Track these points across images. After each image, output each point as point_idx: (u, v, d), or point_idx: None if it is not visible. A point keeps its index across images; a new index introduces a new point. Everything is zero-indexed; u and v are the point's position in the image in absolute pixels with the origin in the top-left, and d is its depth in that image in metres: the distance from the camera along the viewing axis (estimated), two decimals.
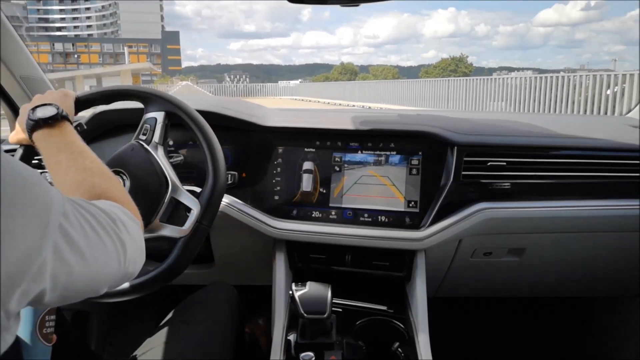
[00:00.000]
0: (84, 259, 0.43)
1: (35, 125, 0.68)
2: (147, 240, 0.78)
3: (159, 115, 0.86)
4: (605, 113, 7.56)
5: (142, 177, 0.81)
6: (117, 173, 0.81)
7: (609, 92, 7.75)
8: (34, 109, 0.69)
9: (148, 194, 0.80)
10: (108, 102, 0.92)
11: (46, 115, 0.68)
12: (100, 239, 0.47)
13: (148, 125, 0.86)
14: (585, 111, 8.12)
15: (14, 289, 0.37)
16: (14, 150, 0.85)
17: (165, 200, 0.81)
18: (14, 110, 1.29)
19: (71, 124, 0.71)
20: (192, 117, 0.85)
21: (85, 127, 0.86)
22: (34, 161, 0.84)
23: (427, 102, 13.59)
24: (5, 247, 0.35)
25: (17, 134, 0.78)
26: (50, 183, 0.59)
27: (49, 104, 0.71)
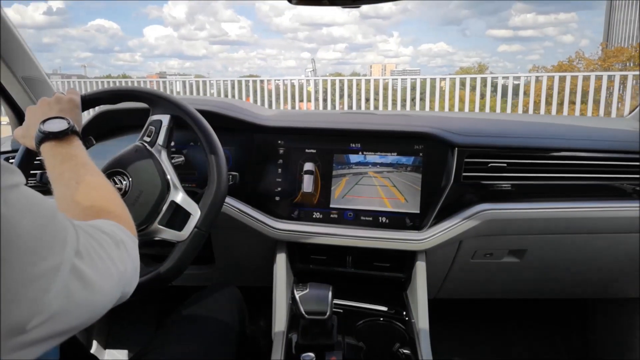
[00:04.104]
0: (94, 292, 0.42)
1: (45, 138, 0.67)
2: (146, 243, 0.79)
3: (165, 118, 0.86)
4: None
5: (144, 180, 0.81)
6: (118, 174, 0.81)
7: None
8: (44, 121, 0.69)
9: (149, 197, 0.80)
10: (114, 103, 0.92)
11: (56, 130, 0.68)
12: (107, 267, 0.45)
13: (153, 128, 0.86)
14: None
15: (13, 339, 0.34)
16: (16, 151, 0.85)
17: (166, 204, 0.81)
18: (16, 111, 1.29)
19: (80, 138, 0.71)
20: (198, 122, 0.85)
21: (94, 142, 0.85)
22: (35, 162, 0.85)
23: None
24: (10, 297, 0.33)
25: (23, 137, 0.78)
26: (50, 191, 0.60)
27: (61, 118, 0.70)
